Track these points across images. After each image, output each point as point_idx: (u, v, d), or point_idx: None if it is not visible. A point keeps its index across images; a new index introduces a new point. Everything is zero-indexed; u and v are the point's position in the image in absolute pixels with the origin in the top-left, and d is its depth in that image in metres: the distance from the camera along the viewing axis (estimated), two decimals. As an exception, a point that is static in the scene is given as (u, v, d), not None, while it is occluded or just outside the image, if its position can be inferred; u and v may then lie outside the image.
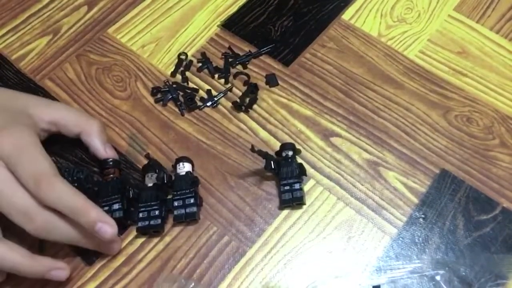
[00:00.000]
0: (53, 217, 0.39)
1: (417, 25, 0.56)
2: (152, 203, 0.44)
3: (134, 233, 0.44)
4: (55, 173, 0.39)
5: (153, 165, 0.45)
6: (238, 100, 0.50)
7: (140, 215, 0.43)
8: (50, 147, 0.48)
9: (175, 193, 0.44)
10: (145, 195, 0.44)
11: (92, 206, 0.39)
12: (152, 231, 0.43)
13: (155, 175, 0.45)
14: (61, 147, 0.48)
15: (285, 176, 0.45)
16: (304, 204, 0.45)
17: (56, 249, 0.43)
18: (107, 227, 0.39)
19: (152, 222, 0.43)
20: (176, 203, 0.44)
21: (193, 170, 0.46)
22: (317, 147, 0.48)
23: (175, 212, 0.44)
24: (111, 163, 0.45)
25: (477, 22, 0.56)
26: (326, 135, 0.49)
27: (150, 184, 0.45)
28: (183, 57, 0.54)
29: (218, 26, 0.56)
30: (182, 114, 0.50)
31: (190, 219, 0.44)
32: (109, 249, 0.42)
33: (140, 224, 0.43)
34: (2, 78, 0.53)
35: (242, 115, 0.50)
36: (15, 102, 0.44)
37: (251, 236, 0.44)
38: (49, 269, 0.39)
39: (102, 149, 0.46)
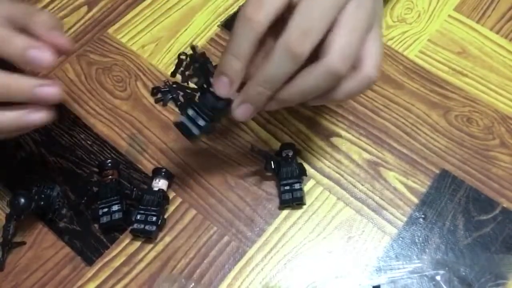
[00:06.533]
0: None
1: (417, 25, 0.55)
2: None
3: (134, 233, 0.44)
4: None
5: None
6: None
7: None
8: (50, 147, 0.48)
9: (141, 207, 0.44)
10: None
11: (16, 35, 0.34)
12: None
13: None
14: (61, 147, 0.49)
15: (285, 176, 0.45)
16: (304, 204, 0.45)
17: (56, 249, 0.43)
18: (40, 51, 0.34)
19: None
20: (139, 217, 0.43)
21: (170, 186, 0.46)
22: (317, 147, 0.48)
23: (135, 225, 0.43)
24: (109, 164, 0.45)
25: (477, 22, 0.56)
26: (326, 135, 0.49)
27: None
28: (183, 57, 0.54)
29: (218, 26, 0.56)
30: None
31: (146, 236, 0.43)
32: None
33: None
34: (2, 78, 0.53)
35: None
36: None
37: (251, 236, 0.44)
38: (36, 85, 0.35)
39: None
